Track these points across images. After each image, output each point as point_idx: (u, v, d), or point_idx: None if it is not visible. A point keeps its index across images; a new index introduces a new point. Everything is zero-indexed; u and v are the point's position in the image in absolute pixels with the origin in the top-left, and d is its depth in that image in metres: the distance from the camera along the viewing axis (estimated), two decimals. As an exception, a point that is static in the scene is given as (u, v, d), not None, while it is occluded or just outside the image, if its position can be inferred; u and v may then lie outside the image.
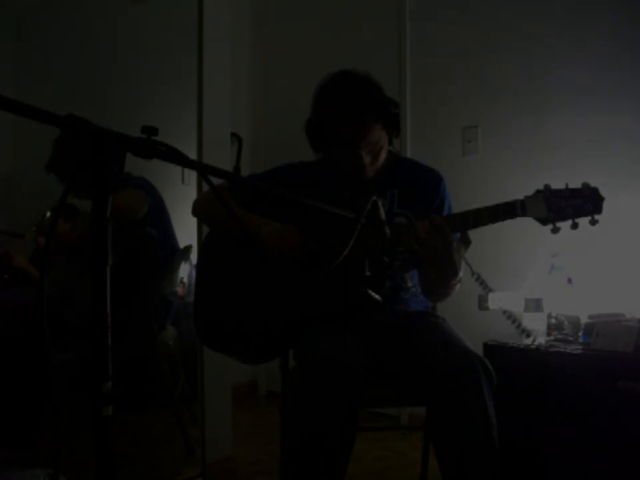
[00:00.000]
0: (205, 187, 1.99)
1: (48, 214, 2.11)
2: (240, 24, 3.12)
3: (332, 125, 1.50)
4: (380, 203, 1.18)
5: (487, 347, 1.91)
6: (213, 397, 2.19)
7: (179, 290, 2.42)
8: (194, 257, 2.29)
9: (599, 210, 1.33)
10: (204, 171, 0.93)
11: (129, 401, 1.69)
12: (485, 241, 1.93)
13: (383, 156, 1.55)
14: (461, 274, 1.47)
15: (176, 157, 0.84)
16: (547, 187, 1.34)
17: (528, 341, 1.84)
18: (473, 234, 1.47)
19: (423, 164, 1.69)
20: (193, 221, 2.11)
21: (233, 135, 2.49)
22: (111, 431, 0.79)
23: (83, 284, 2.15)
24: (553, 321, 1.96)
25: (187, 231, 2.26)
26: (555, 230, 1.34)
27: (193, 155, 2.12)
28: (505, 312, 1.52)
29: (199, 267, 1.72)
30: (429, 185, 1.61)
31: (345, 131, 1.48)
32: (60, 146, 2.02)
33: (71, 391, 1.77)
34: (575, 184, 1.35)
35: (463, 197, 1.75)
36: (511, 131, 2.50)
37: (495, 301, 2.02)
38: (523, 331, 1.59)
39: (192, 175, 2.29)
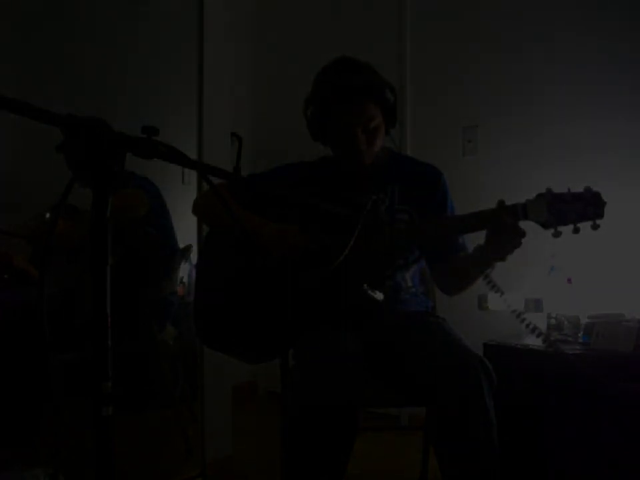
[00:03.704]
0: (205, 187, 1.99)
1: (47, 215, 2.11)
2: (240, 24, 3.11)
3: (327, 97, 1.49)
4: (380, 201, 1.17)
5: (487, 347, 1.91)
6: (213, 397, 2.19)
7: (179, 290, 2.42)
8: (194, 256, 2.29)
9: (600, 215, 1.31)
10: (204, 171, 0.93)
11: (129, 400, 1.69)
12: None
13: (379, 141, 1.53)
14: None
15: (176, 157, 0.84)
16: (548, 190, 1.33)
17: (539, 341, 1.81)
18: (472, 235, 1.47)
19: (421, 160, 1.69)
20: (193, 221, 2.11)
21: (233, 134, 2.48)
22: (110, 430, 0.79)
23: (84, 284, 2.15)
24: (553, 321, 1.96)
25: (187, 231, 2.26)
26: (557, 234, 1.32)
27: (193, 155, 2.12)
28: (514, 310, 1.51)
29: (199, 267, 1.72)
30: (429, 180, 1.61)
31: (340, 104, 1.46)
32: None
33: (71, 391, 1.77)
34: (575, 185, 1.34)
35: (462, 197, 1.74)
36: (511, 131, 2.50)
37: (495, 301, 2.01)
38: (534, 330, 1.57)
39: (192, 175, 2.29)
